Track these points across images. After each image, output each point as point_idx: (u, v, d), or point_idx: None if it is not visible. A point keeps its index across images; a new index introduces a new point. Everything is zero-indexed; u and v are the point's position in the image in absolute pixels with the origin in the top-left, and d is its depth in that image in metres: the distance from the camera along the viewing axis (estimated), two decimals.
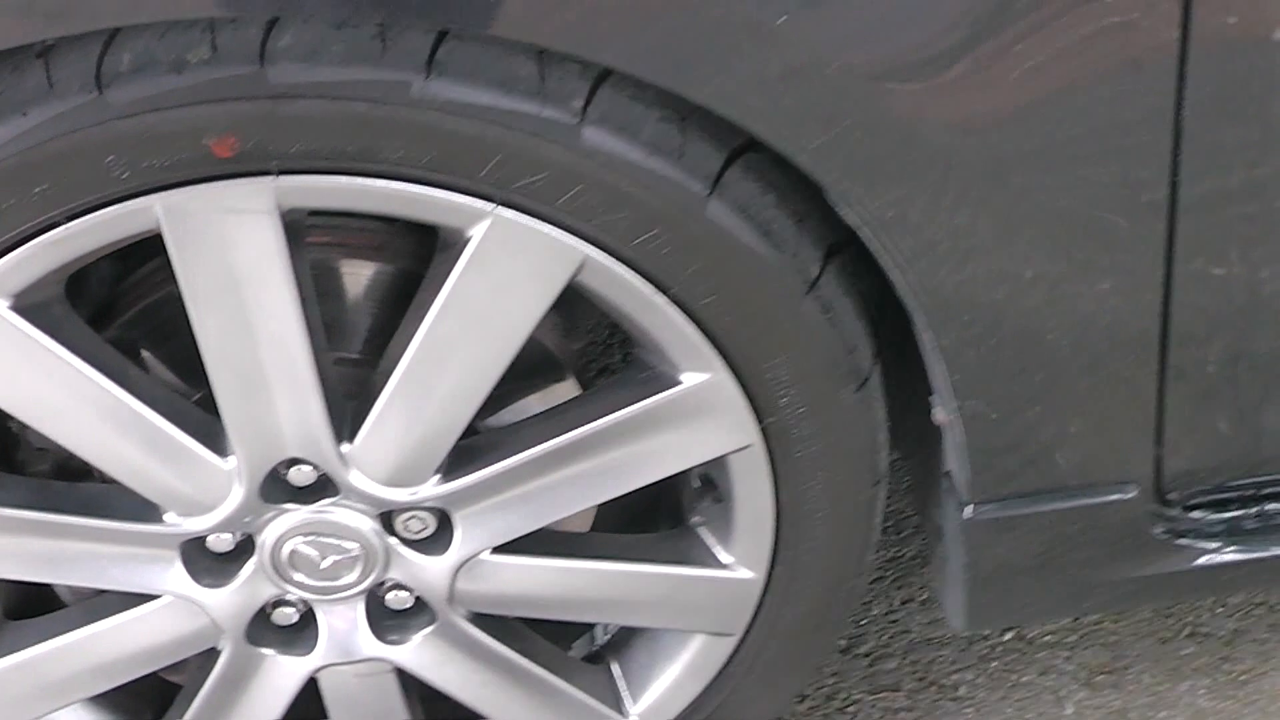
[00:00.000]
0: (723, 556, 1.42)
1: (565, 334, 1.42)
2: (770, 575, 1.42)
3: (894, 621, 1.80)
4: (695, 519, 1.44)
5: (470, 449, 1.33)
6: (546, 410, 1.37)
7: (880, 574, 1.83)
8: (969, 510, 1.40)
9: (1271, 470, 1.49)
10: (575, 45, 1.12)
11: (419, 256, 1.31)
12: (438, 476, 1.33)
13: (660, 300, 1.25)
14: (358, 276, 1.35)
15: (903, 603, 1.82)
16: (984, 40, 1.13)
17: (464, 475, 1.33)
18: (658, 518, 1.50)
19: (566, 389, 1.41)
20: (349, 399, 1.31)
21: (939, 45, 1.13)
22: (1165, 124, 1.20)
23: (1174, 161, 1.22)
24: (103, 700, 1.47)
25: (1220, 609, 1.82)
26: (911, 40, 1.13)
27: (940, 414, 1.35)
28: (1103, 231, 1.24)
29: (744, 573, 1.42)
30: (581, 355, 1.46)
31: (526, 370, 1.36)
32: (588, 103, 1.16)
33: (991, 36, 1.13)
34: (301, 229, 1.24)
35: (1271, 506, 1.52)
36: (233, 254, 1.20)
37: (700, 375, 1.30)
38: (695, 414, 1.32)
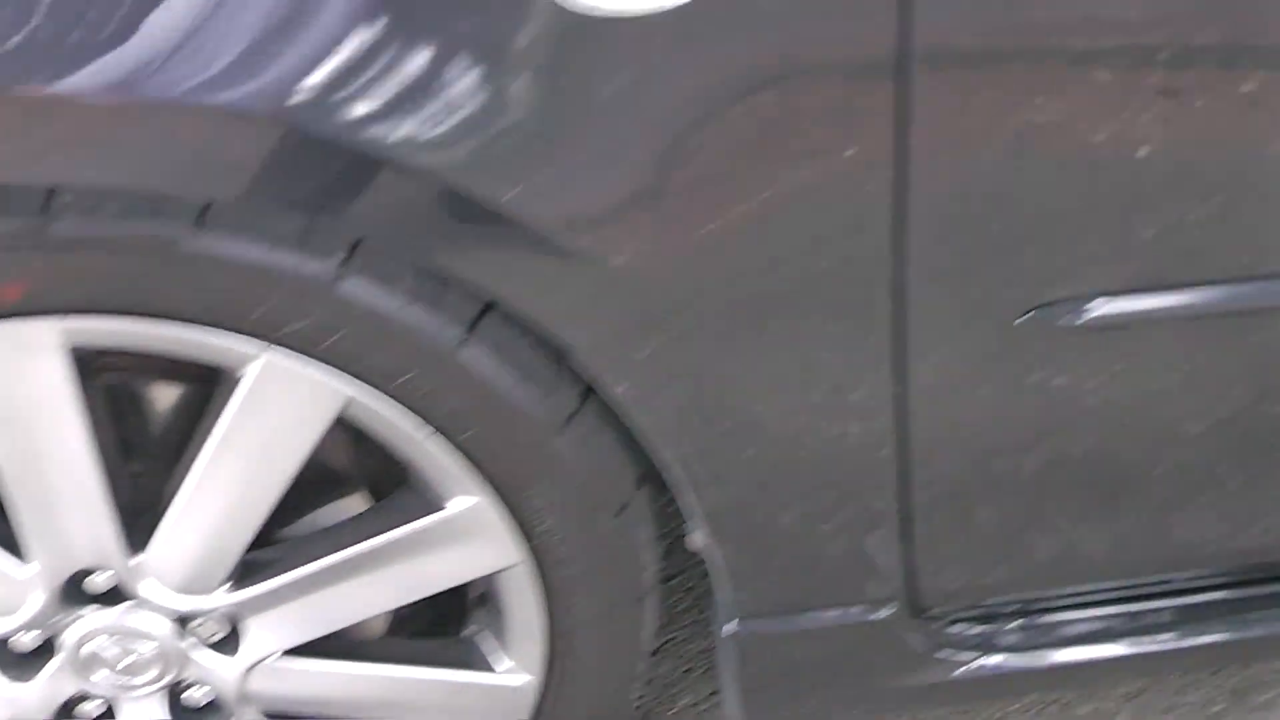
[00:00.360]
0: (501, 662, 1.52)
1: (358, 451, 1.52)
2: (545, 680, 1.53)
3: (701, 713, 1.89)
4: (476, 627, 1.54)
5: (258, 561, 1.44)
6: (330, 527, 1.48)
7: (691, 666, 1.93)
8: (733, 625, 1.50)
9: (1028, 589, 1.59)
10: (327, 217, 1.23)
11: (211, 379, 1.41)
12: (227, 585, 1.43)
13: (422, 435, 1.35)
14: (153, 397, 1.45)
15: (710, 694, 1.91)
16: (684, 190, 1.22)
17: (251, 585, 1.43)
18: (449, 622, 1.60)
19: (357, 503, 1.51)
20: (144, 511, 1.41)
21: (649, 200, 1.22)
22: (885, 251, 1.28)
23: (897, 288, 1.31)
24: None
25: (1014, 705, 1.92)
26: (621, 200, 1.22)
27: (696, 539, 1.45)
28: (832, 356, 1.33)
29: (520, 678, 1.52)
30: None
31: (316, 486, 1.46)
32: (348, 257, 1.26)
33: (690, 185, 1.22)
34: (93, 357, 1.34)
35: (1040, 620, 1.63)
36: (23, 386, 1.30)
37: (466, 501, 1.40)
38: (464, 535, 1.42)
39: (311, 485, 1.45)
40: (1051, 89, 1.25)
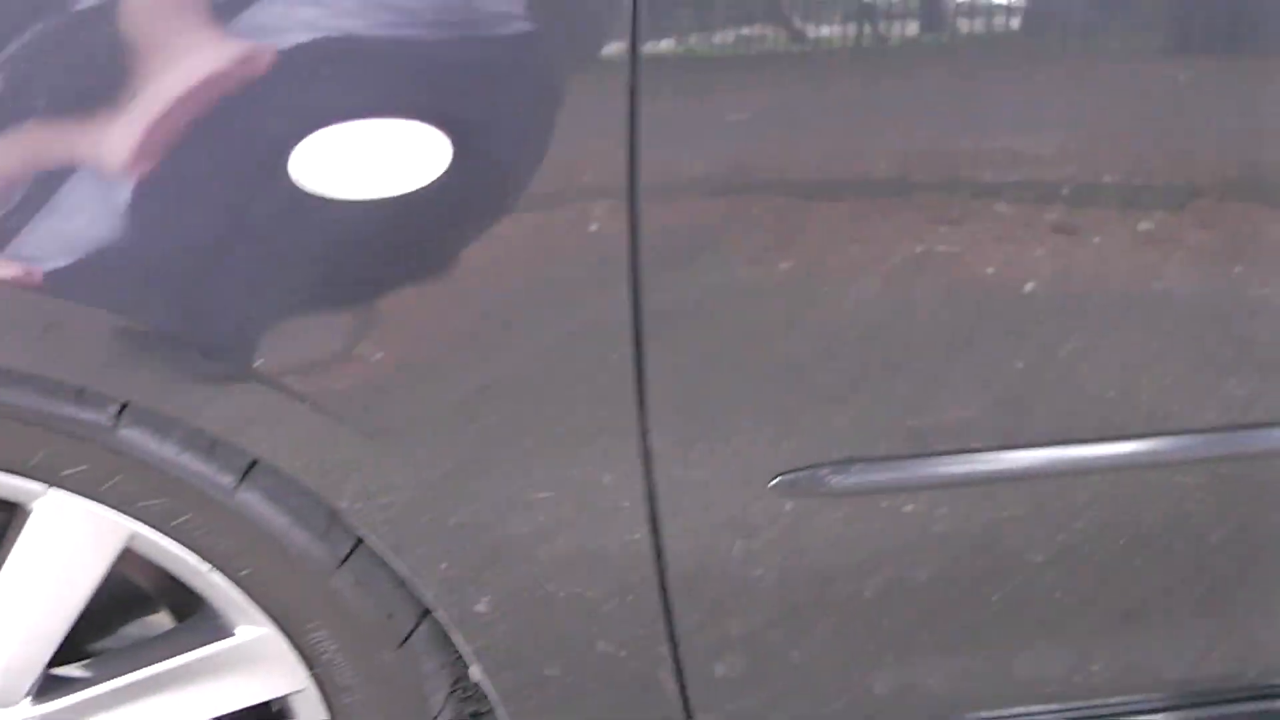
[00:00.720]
0: None
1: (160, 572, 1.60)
2: None
3: None
4: None
5: (61, 677, 1.52)
6: (130, 646, 1.56)
7: None
8: None
9: None
10: (99, 385, 1.32)
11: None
12: (29, 700, 1.52)
13: (204, 569, 1.44)
14: None
15: None
16: (431, 352, 1.31)
17: (53, 700, 1.52)
18: None
19: (161, 620, 1.60)
20: None
21: (395, 363, 1.30)
22: (630, 414, 1.36)
23: (645, 450, 1.39)
24: None
25: None
26: (364, 363, 1.30)
27: (474, 672, 1.53)
28: (588, 505, 1.41)
29: None
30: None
31: (120, 604, 1.55)
32: (121, 410, 1.35)
33: (436, 347, 1.31)
34: None
35: None
36: None
37: (253, 630, 1.48)
38: (253, 660, 1.50)
39: (119, 602, 1.54)
40: (792, 242, 1.32)
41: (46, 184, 1.22)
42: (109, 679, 1.52)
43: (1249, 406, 1.47)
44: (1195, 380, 1.45)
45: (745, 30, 1.26)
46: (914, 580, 1.52)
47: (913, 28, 1.29)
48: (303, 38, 1.21)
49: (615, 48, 1.23)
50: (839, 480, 1.43)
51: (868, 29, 1.28)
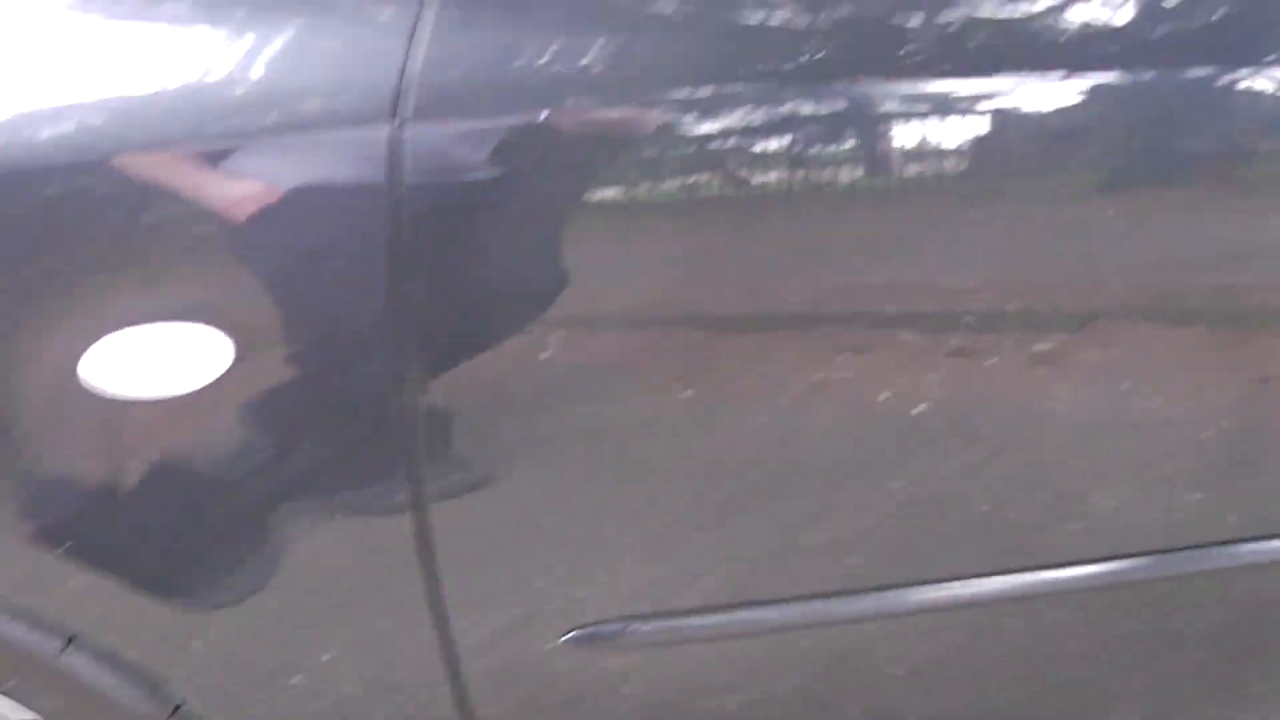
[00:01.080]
0: None
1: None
2: None
3: None
4: None
5: None
6: None
7: None
8: None
9: None
10: None
11: None
12: None
13: None
14: None
15: None
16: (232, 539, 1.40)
17: None
18: None
19: None
20: None
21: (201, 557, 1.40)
22: (417, 583, 1.44)
23: (438, 616, 1.46)
24: None
25: None
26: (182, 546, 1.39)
27: None
28: (394, 658, 1.48)
29: None
30: None
31: None
32: None
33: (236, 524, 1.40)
34: None
35: None
36: None
37: None
38: None
39: None
40: (570, 398, 1.39)
41: None
42: None
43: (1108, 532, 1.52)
44: (1064, 506, 1.51)
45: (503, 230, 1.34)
46: (770, 700, 1.59)
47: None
48: (89, 247, 1.29)
49: (378, 243, 1.31)
50: (637, 630, 1.49)
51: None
